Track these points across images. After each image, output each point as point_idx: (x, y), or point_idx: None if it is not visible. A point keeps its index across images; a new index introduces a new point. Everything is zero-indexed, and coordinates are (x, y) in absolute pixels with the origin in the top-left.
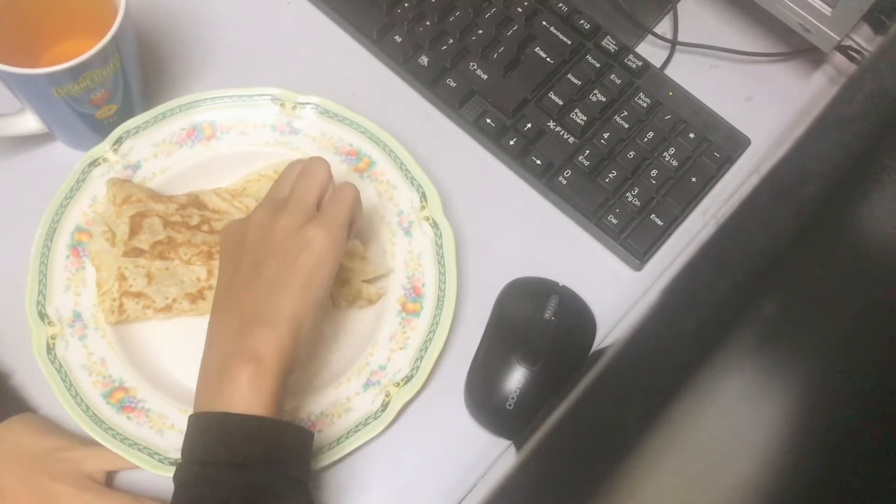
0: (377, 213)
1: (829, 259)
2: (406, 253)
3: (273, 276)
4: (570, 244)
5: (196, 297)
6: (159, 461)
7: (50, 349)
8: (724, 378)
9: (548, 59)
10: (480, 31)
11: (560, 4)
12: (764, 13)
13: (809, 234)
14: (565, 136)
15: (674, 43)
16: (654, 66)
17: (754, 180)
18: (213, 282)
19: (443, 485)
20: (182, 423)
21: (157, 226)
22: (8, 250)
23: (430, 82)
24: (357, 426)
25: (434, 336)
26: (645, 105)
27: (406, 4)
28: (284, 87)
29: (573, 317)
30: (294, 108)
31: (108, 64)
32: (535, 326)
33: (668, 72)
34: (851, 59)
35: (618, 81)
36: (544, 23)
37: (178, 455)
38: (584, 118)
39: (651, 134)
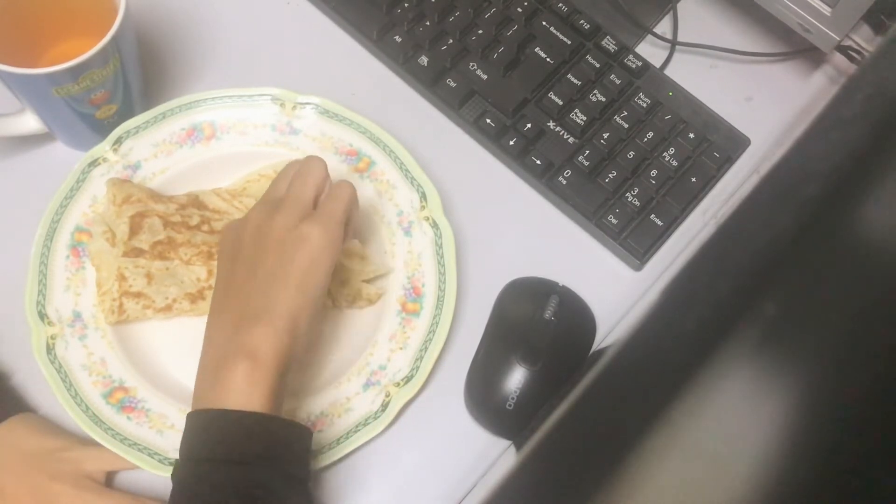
0: (377, 213)
1: (829, 259)
2: (406, 253)
3: (269, 274)
4: (570, 244)
5: (196, 297)
6: (159, 461)
7: (50, 349)
8: (724, 378)
9: (548, 59)
10: (480, 31)
11: (560, 4)
12: (764, 13)
13: (809, 234)
14: (565, 136)
15: (674, 43)
16: (654, 66)
17: (754, 180)
18: (213, 282)
19: (443, 485)
20: (182, 424)
21: (157, 226)
22: (8, 250)
23: (430, 82)
24: (357, 426)
25: (434, 336)
26: (645, 105)
27: (406, 4)
28: (284, 87)
29: (573, 317)
30: (294, 108)
31: (108, 64)
32: (535, 326)
33: (668, 72)
34: (851, 59)
35: (618, 81)
36: (544, 23)
37: (177, 455)
38: (584, 118)
39: (651, 134)
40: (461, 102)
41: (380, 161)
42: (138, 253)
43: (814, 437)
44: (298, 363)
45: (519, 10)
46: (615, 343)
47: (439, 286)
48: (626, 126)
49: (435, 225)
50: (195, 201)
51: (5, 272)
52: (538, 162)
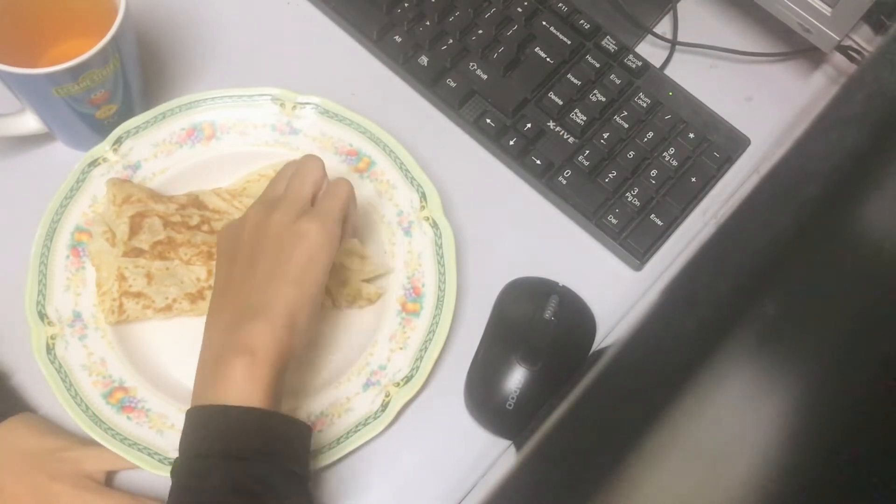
0: (377, 213)
1: (829, 259)
2: (406, 253)
3: (267, 271)
4: (570, 244)
5: (196, 297)
6: (159, 461)
7: (50, 349)
8: (724, 378)
9: (548, 59)
10: (480, 31)
11: (560, 4)
12: (764, 13)
13: (809, 234)
14: (565, 136)
15: (674, 43)
16: (654, 66)
17: (754, 180)
18: (213, 282)
19: (443, 485)
20: (182, 424)
21: (157, 226)
22: (8, 250)
23: (430, 82)
24: (357, 426)
25: (434, 336)
26: (645, 105)
27: (406, 4)
28: (284, 87)
29: (573, 317)
30: (294, 108)
31: (108, 64)
32: (535, 326)
33: (668, 72)
34: (851, 59)
35: (618, 81)
36: (544, 23)
37: (177, 454)
38: (584, 118)
39: (651, 134)
40: (461, 102)
41: (380, 161)
42: (138, 253)
43: (814, 438)
44: (297, 360)
45: (519, 9)
46: (615, 343)
47: (439, 286)
48: (626, 126)
49: (435, 225)
50: (195, 201)
51: (5, 272)
52: (538, 162)
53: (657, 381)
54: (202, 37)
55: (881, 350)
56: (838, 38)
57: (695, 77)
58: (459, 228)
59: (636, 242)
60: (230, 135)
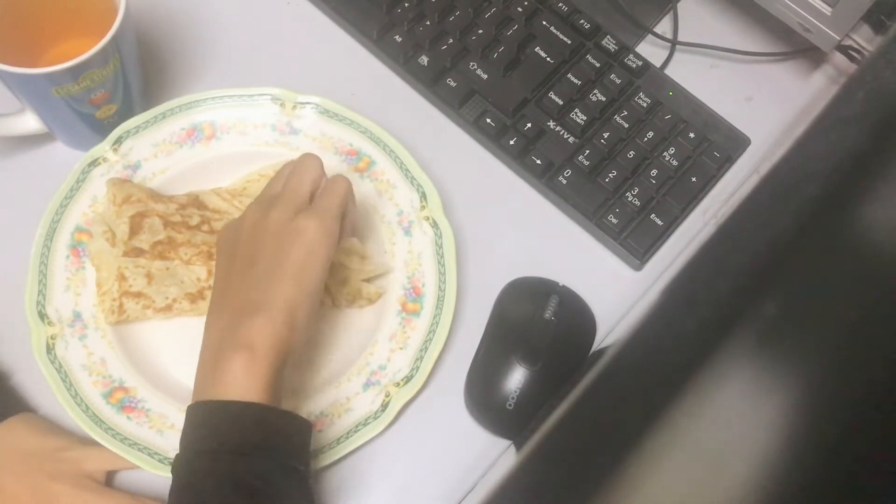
0: (377, 213)
1: (829, 259)
2: (406, 253)
3: (266, 268)
4: (570, 244)
5: (196, 297)
6: (159, 461)
7: (50, 349)
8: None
9: (548, 59)
10: (480, 31)
11: (560, 4)
12: (764, 13)
13: (809, 234)
14: (565, 136)
15: (674, 43)
16: (654, 66)
17: (754, 180)
18: (213, 281)
19: (443, 485)
20: (182, 423)
21: (157, 226)
22: (8, 250)
23: (430, 82)
24: (357, 426)
25: (434, 336)
26: (645, 105)
27: (406, 4)
28: (284, 87)
29: (573, 317)
30: (294, 108)
31: (108, 64)
32: (535, 326)
33: (668, 72)
34: (851, 59)
35: (618, 81)
36: (544, 22)
37: (177, 453)
38: (584, 118)
39: (651, 134)
40: (461, 102)
41: (380, 161)
42: (138, 253)
43: (814, 438)
44: (297, 357)
45: (519, 9)
46: (615, 343)
47: (439, 286)
48: (626, 126)
49: (435, 225)
50: (195, 201)
51: (5, 272)
52: (538, 162)
53: (657, 382)
54: (202, 37)
55: (881, 350)
56: (838, 38)
57: (695, 77)
58: (459, 228)
59: (636, 242)
60: (230, 135)
